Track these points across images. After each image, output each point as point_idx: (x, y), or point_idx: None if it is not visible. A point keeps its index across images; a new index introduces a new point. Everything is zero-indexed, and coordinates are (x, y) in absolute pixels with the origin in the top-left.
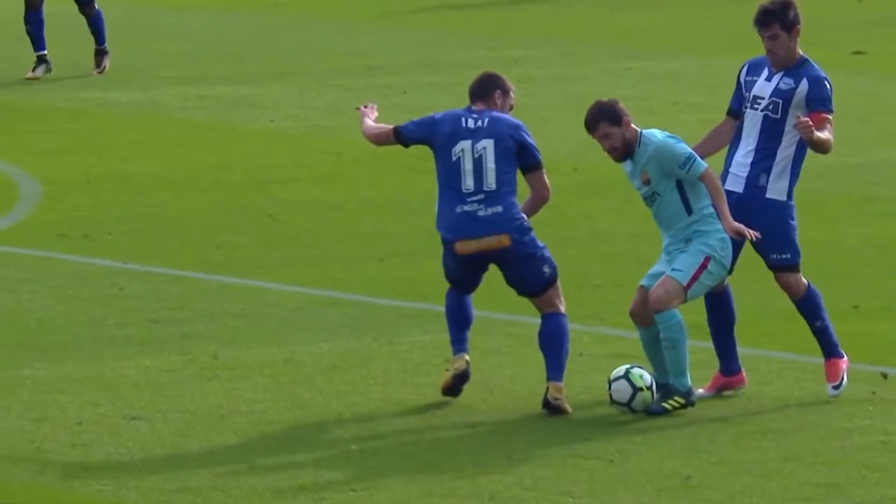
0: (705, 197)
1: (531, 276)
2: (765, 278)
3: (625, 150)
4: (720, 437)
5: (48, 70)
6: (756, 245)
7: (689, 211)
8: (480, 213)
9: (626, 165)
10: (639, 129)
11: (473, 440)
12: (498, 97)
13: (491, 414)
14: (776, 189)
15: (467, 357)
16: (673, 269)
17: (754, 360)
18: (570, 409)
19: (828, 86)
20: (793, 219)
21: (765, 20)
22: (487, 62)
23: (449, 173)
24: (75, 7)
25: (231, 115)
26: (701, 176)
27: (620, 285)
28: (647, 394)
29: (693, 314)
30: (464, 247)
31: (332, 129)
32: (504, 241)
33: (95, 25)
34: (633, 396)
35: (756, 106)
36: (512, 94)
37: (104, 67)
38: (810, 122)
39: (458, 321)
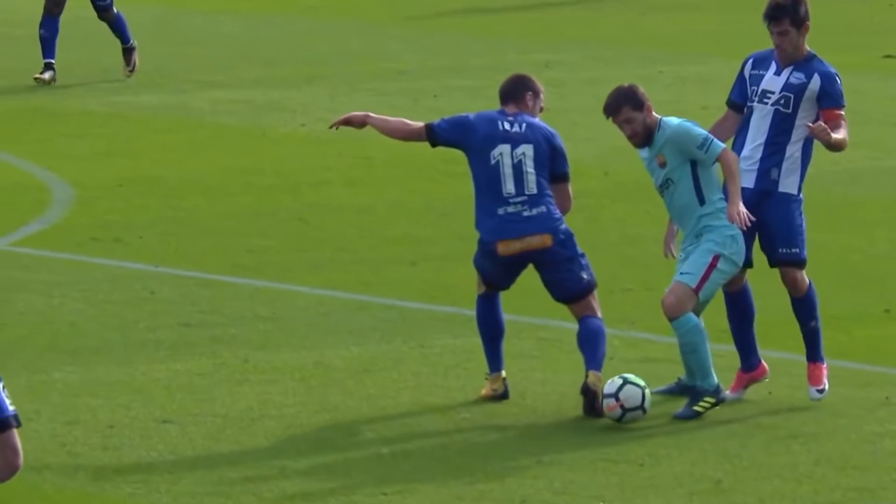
0: (719, 190)
1: (571, 279)
2: None
3: (645, 135)
4: (751, 442)
5: (53, 79)
6: (764, 239)
7: (702, 201)
8: (525, 213)
9: (643, 152)
10: (659, 117)
11: (504, 444)
12: (529, 99)
13: (521, 417)
14: (787, 184)
15: (504, 375)
16: (682, 273)
17: (785, 364)
18: None
19: (839, 81)
20: (802, 214)
21: (775, 15)
22: (518, 66)
23: (488, 177)
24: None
25: (262, 118)
26: (718, 156)
27: (651, 289)
28: (648, 391)
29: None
30: (506, 248)
31: (363, 132)
32: (546, 240)
33: (117, 28)
34: (643, 396)
35: (766, 100)
36: (542, 96)
37: (134, 64)
38: (823, 126)
39: (493, 335)
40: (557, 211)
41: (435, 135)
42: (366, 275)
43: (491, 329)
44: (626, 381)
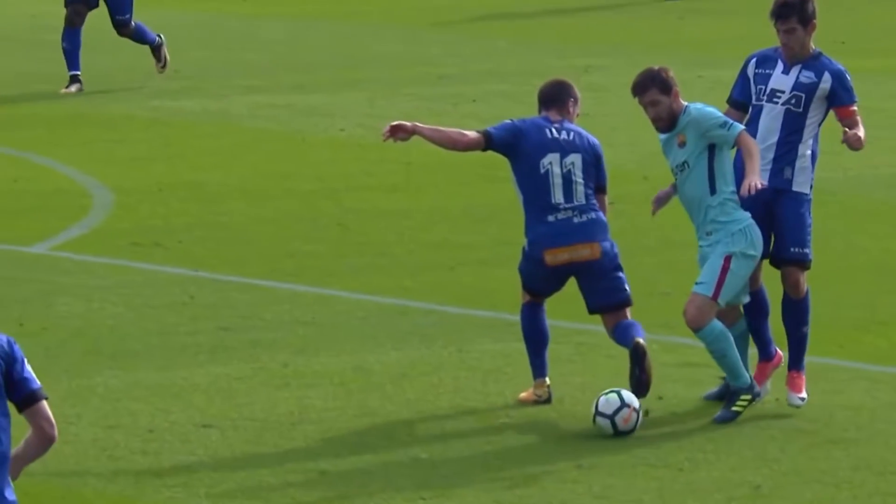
0: (731, 182)
1: (613, 289)
2: (836, 287)
3: (669, 121)
4: (790, 447)
5: (80, 90)
6: (778, 236)
7: (713, 190)
8: (575, 219)
9: (662, 136)
10: (686, 103)
11: (543, 448)
12: (571, 105)
13: (560, 422)
14: (800, 182)
15: (548, 381)
16: (698, 283)
17: (825, 370)
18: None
19: (849, 77)
20: (811, 215)
21: (782, 13)
22: (557, 70)
23: (536, 185)
24: (139, 16)
25: (302, 123)
26: (738, 136)
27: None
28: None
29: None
30: (554, 258)
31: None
32: (596, 251)
33: (139, 38)
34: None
35: (776, 100)
36: (579, 103)
37: (165, 59)
38: (858, 136)
39: (538, 343)
40: (605, 220)
41: (493, 141)
42: (405, 280)
43: (536, 337)
44: (622, 403)
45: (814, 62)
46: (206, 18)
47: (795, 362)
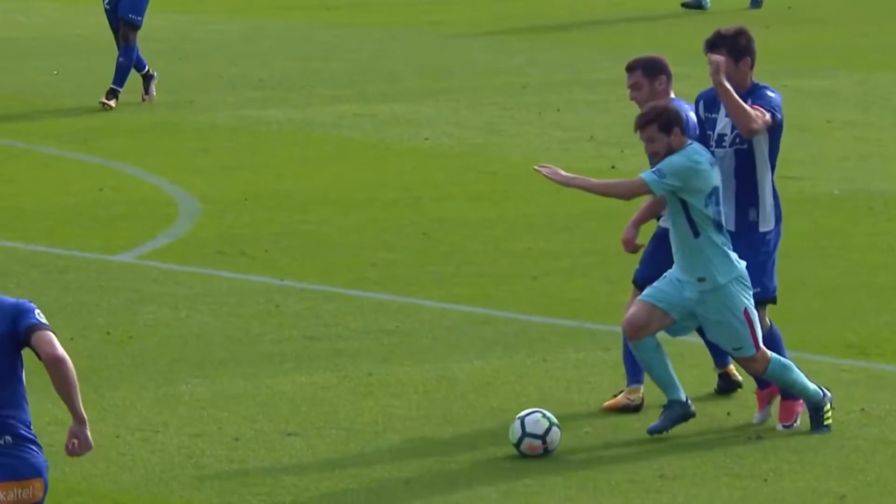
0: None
1: None
2: None
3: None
4: (876, 457)
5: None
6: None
7: (696, 233)
8: None
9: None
10: (690, 144)
11: (627, 458)
12: None
13: (644, 431)
14: (765, 220)
15: (643, 389)
16: (734, 350)
17: None
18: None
19: (772, 95)
20: (777, 247)
21: (712, 45)
22: None
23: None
24: (224, 25)
25: (386, 132)
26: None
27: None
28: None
29: (846, 332)
30: None
31: (487, 146)
32: None
33: (127, 55)
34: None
35: (724, 144)
36: None
37: (151, 92)
38: (720, 60)
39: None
40: None
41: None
42: (489, 288)
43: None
44: (550, 424)
45: (747, 96)
46: (291, 28)
47: (781, 394)
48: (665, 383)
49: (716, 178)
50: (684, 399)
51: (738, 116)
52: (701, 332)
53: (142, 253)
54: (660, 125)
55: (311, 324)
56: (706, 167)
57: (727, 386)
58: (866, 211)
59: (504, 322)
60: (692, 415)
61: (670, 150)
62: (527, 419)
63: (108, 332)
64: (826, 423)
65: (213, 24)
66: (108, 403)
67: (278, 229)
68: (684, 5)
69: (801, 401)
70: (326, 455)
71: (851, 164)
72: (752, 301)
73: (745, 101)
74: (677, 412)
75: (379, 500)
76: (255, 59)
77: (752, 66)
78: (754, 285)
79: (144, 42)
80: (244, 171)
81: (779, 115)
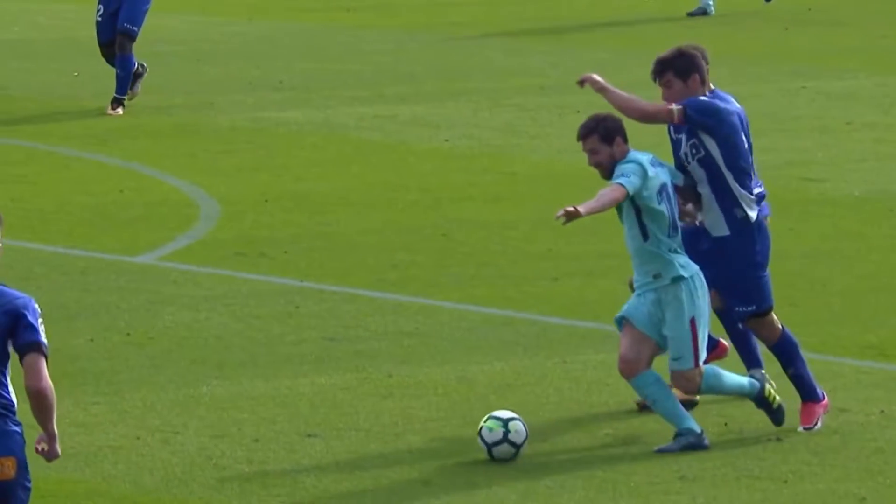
0: (663, 230)
1: None
2: None
3: (611, 169)
4: (895, 459)
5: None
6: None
7: (645, 237)
8: None
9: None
10: (630, 151)
11: (646, 459)
12: None
13: (663, 433)
14: (745, 220)
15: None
16: (673, 360)
17: None
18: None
19: (705, 99)
20: (766, 239)
21: (656, 69)
22: None
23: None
24: (244, 26)
25: (406, 134)
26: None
27: (794, 305)
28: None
29: (867, 334)
30: None
31: (506, 148)
32: None
33: (125, 66)
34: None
35: (689, 160)
36: None
37: (136, 88)
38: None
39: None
40: None
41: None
42: (509, 290)
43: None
44: (506, 430)
45: None
46: (311, 30)
47: (802, 396)
48: (673, 415)
49: (662, 174)
50: (699, 431)
51: (621, 107)
52: (728, 331)
53: (162, 254)
54: (600, 136)
55: (331, 325)
56: (649, 165)
57: None
58: (886, 213)
59: (524, 323)
60: (705, 447)
61: (613, 161)
62: (485, 436)
63: (128, 334)
64: (776, 406)
65: (232, 26)
66: (128, 405)
67: (298, 231)
68: (689, 14)
69: (824, 403)
70: (346, 456)
71: (871, 165)
72: (705, 313)
73: None
74: (690, 440)
75: (399, 502)
76: (274, 60)
77: (702, 82)
78: (749, 301)
79: (164, 44)
80: (264, 173)
81: (693, 112)
